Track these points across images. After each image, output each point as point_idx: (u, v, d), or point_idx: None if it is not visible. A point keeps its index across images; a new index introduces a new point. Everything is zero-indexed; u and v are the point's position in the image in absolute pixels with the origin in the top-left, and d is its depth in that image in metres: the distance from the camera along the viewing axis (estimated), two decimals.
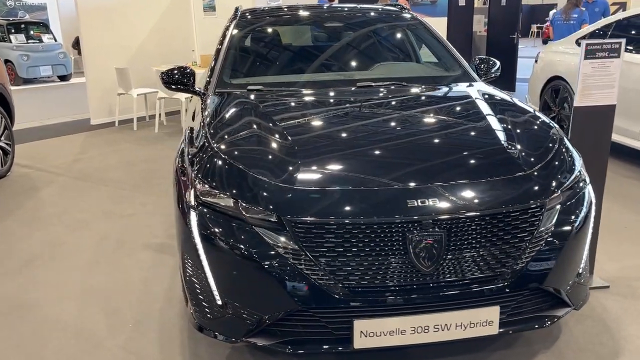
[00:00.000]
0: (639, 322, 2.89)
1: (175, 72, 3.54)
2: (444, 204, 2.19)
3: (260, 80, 3.61)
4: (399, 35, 4.37)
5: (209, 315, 2.36)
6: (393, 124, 2.95)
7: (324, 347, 2.23)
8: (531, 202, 2.26)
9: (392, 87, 3.44)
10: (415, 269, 2.16)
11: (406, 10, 4.42)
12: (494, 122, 2.79)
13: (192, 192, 2.40)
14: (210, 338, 2.42)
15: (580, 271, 2.46)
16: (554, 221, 2.31)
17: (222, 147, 2.56)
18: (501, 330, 2.26)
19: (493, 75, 3.79)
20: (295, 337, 2.26)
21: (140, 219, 4.58)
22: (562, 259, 2.31)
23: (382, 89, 3.40)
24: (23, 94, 12.98)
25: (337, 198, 2.22)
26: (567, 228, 2.33)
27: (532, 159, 2.46)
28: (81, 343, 2.86)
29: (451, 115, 3.06)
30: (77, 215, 4.73)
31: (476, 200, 2.22)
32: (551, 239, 2.28)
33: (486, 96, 3.18)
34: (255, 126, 2.80)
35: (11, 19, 17.76)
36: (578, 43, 6.60)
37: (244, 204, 2.25)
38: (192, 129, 2.95)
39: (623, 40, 2.92)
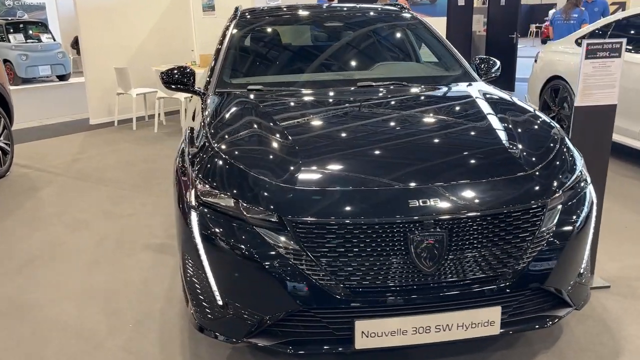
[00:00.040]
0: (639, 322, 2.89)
1: (175, 71, 3.53)
2: (445, 204, 2.19)
3: (261, 80, 3.61)
4: (399, 35, 4.37)
5: (209, 316, 2.36)
6: (394, 123, 2.95)
7: (325, 347, 2.23)
8: (533, 202, 2.25)
9: (393, 87, 3.43)
10: (416, 269, 2.16)
11: (406, 10, 4.42)
12: (495, 122, 2.78)
13: (192, 192, 2.40)
14: (211, 338, 2.41)
15: (581, 271, 2.46)
16: (555, 221, 2.31)
17: (223, 147, 2.56)
18: (502, 330, 2.26)
19: (493, 75, 3.79)
20: (296, 338, 2.25)
21: (140, 219, 4.58)
22: (564, 259, 2.31)
23: (382, 89, 3.40)
24: (22, 93, 12.96)
25: (338, 198, 2.21)
26: (569, 228, 2.33)
27: (534, 159, 2.46)
28: (81, 343, 2.86)
29: (452, 115, 3.06)
30: (76, 215, 4.72)
31: (478, 200, 2.22)
32: (552, 239, 2.28)
33: (487, 96, 3.17)
34: (255, 126, 2.80)
35: (10, 18, 17.75)
36: (578, 43, 6.60)
37: (244, 204, 2.25)
38: (192, 129, 2.94)
39: (624, 40, 2.92)
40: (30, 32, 16.15)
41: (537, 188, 2.31)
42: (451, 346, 2.62)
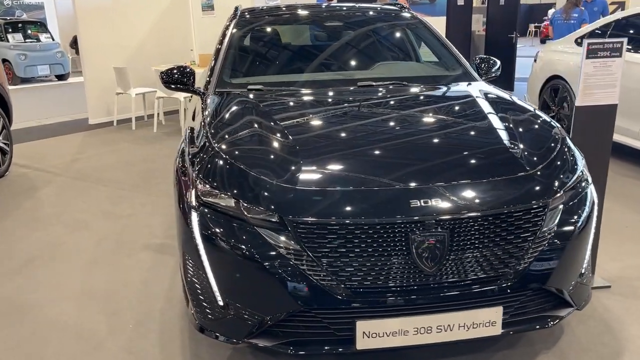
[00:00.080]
0: None
1: (175, 71, 3.52)
2: (446, 204, 2.18)
3: (261, 80, 3.60)
4: (399, 35, 4.36)
5: (210, 316, 2.35)
6: (395, 123, 2.94)
7: (326, 348, 2.22)
8: (534, 202, 2.25)
9: (393, 86, 3.43)
10: (418, 269, 2.15)
11: (406, 9, 4.41)
12: (496, 121, 2.78)
13: (193, 192, 2.39)
14: (212, 339, 2.41)
15: (582, 271, 2.45)
16: (556, 221, 2.30)
17: (223, 147, 2.55)
18: (504, 330, 2.25)
19: (494, 74, 3.78)
20: (297, 338, 2.24)
21: (139, 219, 4.57)
22: (565, 259, 2.31)
23: (383, 89, 3.39)
24: (21, 93, 12.95)
25: (339, 198, 2.21)
26: (570, 228, 2.32)
27: (535, 159, 2.45)
28: (81, 344, 2.85)
29: (453, 115, 3.05)
30: (76, 216, 4.71)
31: (479, 201, 2.21)
32: (554, 239, 2.27)
33: (488, 95, 3.17)
34: (256, 126, 2.79)
35: (8, 18, 17.73)
36: (577, 42, 6.60)
37: (245, 204, 2.24)
38: (192, 129, 2.93)
39: (625, 40, 2.92)
40: (29, 31, 16.14)
41: (538, 188, 2.30)
42: (452, 346, 2.61)
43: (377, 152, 2.58)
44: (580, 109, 3.02)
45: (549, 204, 2.27)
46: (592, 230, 2.48)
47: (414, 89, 3.41)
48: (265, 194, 2.26)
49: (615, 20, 6.27)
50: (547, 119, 2.90)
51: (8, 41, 15.33)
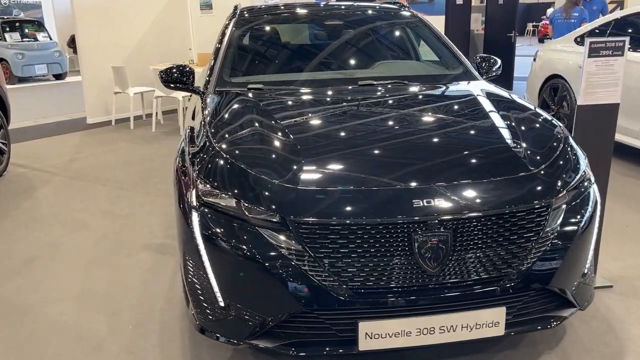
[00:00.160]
0: None
1: (174, 70, 3.51)
2: (449, 204, 2.16)
3: (261, 79, 3.58)
4: (399, 33, 4.35)
5: (210, 317, 2.33)
6: (396, 122, 2.91)
7: (328, 349, 2.21)
8: (537, 201, 2.23)
9: (394, 85, 3.41)
10: (420, 269, 2.14)
11: (406, 8, 4.40)
12: (498, 120, 2.76)
13: (193, 192, 2.37)
14: (212, 340, 2.39)
15: (585, 271, 2.44)
16: (559, 221, 2.29)
17: (224, 146, 2.53)
18: (507, 331, 2.24)
19: (494, 73, 3.77)
20: (299, 339, 2.23)
21: (138, 219, 4.54)
22: (568, 259, 2.29)
23: (383, 88, 3.37)
24: (18, 92, 12.91)
25: (341, 198, 2.19)
26: (573, 228, 2.31)
27: (538, 158, 2.44)
28: (81, 344, 2.83)
29: (455, 114, 3.04)
30: (75, 215, 4.69)
31: (482, 200, 2.20)
32: (557, 239, 2.26)
33: (489, 94, 3.15)
34: (256, 125, 2.77)
35: (6, 17, 17.66)
36: (577, 41, 6.60)
37: (246, 204, 2.22)
38: (192, 128, 2.91)
39: (627, 38, 2.90)
40: (27, 30, 16.09)
41: (541, 188, 2.29)
42: (455, 347, 2.59)
43: (379, 151, 2.56)
44: (582, 108, 3.01)
45: (552, 204, 2.26)
46: (595, 230, 2.47)
47: (415, 88, 3.39)
48: (267, 193, 2.24)
49: (615, 19, 6.26)
50: (550, 118, 2.89)
51: (5, 40, 15.28)
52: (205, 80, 3.59)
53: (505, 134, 2.62)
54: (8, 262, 3.84)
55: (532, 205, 2.22)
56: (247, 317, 2.23)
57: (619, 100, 3.00)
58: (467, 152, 2.53)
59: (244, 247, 2.18)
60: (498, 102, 3.04)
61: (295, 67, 3.94)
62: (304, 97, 3.28)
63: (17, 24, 16.19)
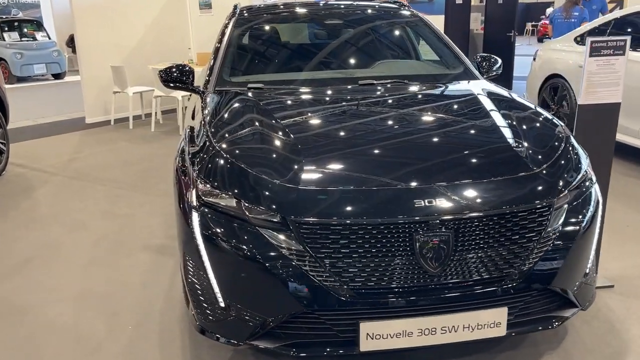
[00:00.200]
0: None
1: (174, 70, 3.50)
2: (451, 204, 2.15)
3: (261, 78, 3.57)
4: (399, 32, 4.33)
5: (211, 318, 2.32)
6: (398, 122, 2.90)
7: (329, 349, 2.19)
8: (539, 201, 2.22)
9: (395, 85, 3.40)
10: (422, 270, 2.12)
11: (406, 7, 4.38)
12: (499, 120, 2.75)
13: (193, 192, 2.36)
14: (212, 341, 2.38)
15: (587, 271, 2.43)
16: (561, 221, 2.28)
17: (224, 146, 2.52)
18: (509, 331, 2.23)
19: (495, 73, 3.76)
20: (300, 340, 2.22)
21: (138, 219, 4.53)
22: (570, 259, 2.28)
23: (384, 87, 3.36)
24: (17, 92, 12.89)
25: (342, 198, 2.18)
26: (575, 228, 2.30)
27: (539, 158, 2.43)
28: (81, 345, 2.82)
29: (456, 114, 3.03)
30: (74, 216, 4.67)
31: (484, 200, 2.19)
32: (559, 239, 2.25)
33: (490, 94, 3.15)
34: (257, 124, 2.76)
35: (4, 16, 17.63)
36: (576, 41, 6.59)
37: (246, 204, 2.21)
38: (192, 128, 2.90)
39: (628, 38, 2.89)
40: (25, 30, 16.05)
41: (543, 187, 2.28)
42: (456, 347, 2.58)
43: (380, 151, 2.55)
44: (583, 108, 3.00)
45: (554, 204, 2.25)
46: (597, 230, 2.46)
47: (416, 88, 3.38)
48: (267, 193, 2.23)
49: (615, 18, 6.25)
50: (551, 117, 2.88)
51: (4, 40, 15.25)
52: (205, 80, 3.58)
53: (507, 133, 2.62)
54: (7, 262, 3.82)
55: (534, 205, 2.21)
56: (247, 317, 2.22)
57: (620, 100, 2.99)
58: (468, 152, 2.52)
59: (245, 247, 2.17)
60: (499, 101, 3.03)
61: (295, 67, 3.93)
62: (304, 97, 3.27)
63: (16, 24, 16.15)
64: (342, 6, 4.40)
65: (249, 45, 4.10)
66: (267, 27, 4.28)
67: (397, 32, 4.34)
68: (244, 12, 4.20)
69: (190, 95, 4.80)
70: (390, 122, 2.90)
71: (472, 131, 2.77)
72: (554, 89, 6.66)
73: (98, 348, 2.79)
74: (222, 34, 3.94)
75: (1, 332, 2.97)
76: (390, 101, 3.22)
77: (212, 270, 2.26)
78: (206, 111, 3.00)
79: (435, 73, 3.81)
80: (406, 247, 2.12)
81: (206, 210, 2.29)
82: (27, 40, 15.68)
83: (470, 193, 2.20)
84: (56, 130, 8.30)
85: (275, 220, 2.17)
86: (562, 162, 2.45)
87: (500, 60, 3.81)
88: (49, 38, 16.47)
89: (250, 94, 3.22)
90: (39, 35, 16.15)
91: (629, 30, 5.97)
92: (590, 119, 3.01)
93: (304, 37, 4.38)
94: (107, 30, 8.63)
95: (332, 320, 2.16)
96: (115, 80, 8.31)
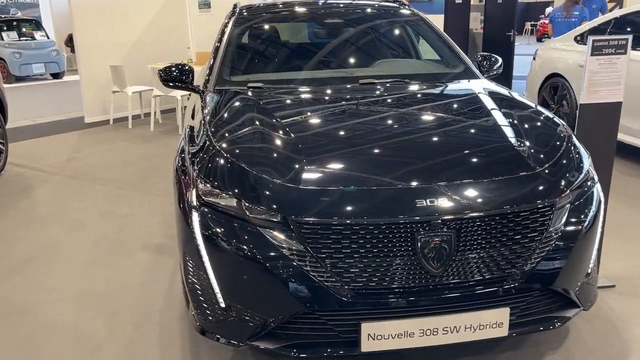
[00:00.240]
0: None
1: (174, 69, 3.48)
2: (453, 204, 2.14)
3: (261, 78, 3.55)
4: (399, 32, 4.32)
5: (211, 318, 2.31)
6: (399, 121, 2.89)
7: (330, 350, 2.18)
8: (541, 201, 2.21)
9: (396, 84, 3.38)
10: (424, 270, 2.11)
11: (406, 6, 4.37)
12: (501, 119, 2.74)
13: (193, 192, 2.35)
14: (212, 341, 2.36)
15: (589, 271, 2.42)
16: (563, 221, 2.27)
17: (224, 145, 2.50)
18: (511, 331, 2.22)
19: (495, 72, 3.75)
20: (301, 341, 2.21)
21: (137, 219, 4.52)
22: (572, 259, 2.27)
23: (385, 86, 3.35)
24: (15, 92, 12.85)
25: (343, 198, 2.16)
26: (577, 227, 2.29)
27: (542, 157, 2.42)
28: (81, 345, 2.80)
29: (458, 113, 3.01)
30: (73, 215, 4.66)
31: (486, 200, 2.17)
32: (561, 238, 2.24)
33: (491, 93, 3.13)
34: (257, 123, 2.75)
35: (3, 16, 17.60)
36: (577, 40, 6.58)
37: (247, 204, 2.20)
38: (192, 127, 2.89)
39: (630, 37, 2.89)
40: (24, 29, 16.02)
41: (545, 187, 2.27)
42: (457, 348, 2.57)
43: (381, 150, 2.53)
44: (584, 107, 2.99)
45: (556, 203, 2.24)
46: (599, 230, 2.45)
47: (417, 87, 3.37)
48: (268, 193, 2.21)
49: (615, 17, 6.25)
50: (552, 116, 2.87)
51: (3, 39, 15.21)
52: (204, 79, 3.56)
53: (509, 132, 2.60)
54: (7, 262, 3.81)
55: (536, 204, 2.20)
56: (248, 318, 2.20)
57: (621, 99, 2.98)
58: (470, 151, 2.51)
59: (245, 247, 2.16)
60: (500, 100, 3.01)
61: (295, 66, 3.91)
62: (305, 96, 3.26)
63: (15, 23, 16.12)
64: (342, 5, 4.38)
65: (248, 45, 4.09)
66: (266, 26, 4.27)
67: (397, 31, 4.33)
68: (244, 11, 4.18)
69: (189, 94, 4.78)
70: (391, 122, 2.89)
71: (474, 130, 2.76)
72: (554, 88, 6.65)
73: (98, 348, 2.77)
74: (222, 33, 3.93)
75: (1, 332, 2.96)
76: (391, 100, 3.21)
77: (212, 271, 2.24)
78: (206, 110, 2.98)
79: (436, 72, 3.80)
80: (408, 247, 2.10)
81: (206, 210, 2.27)
82: (26, 40, 15.65)
83: (472, 193, 2.19)
84: (55, 130, 8.29)
85: (275, 220, 2.16)
86: (564, 161, 2.44)
87: (500, 60, 3.80)
88: (48, 37, 16.44)
89: (250, 93, 3.21)
90: (38, 35, 16.12)
91: (629, 29, 5.96)
92: (592, 118, 3.01)
93: (304, 36, 4.37)
94: (106, 29, 8.61)
95: (333, 321, 2.14)
96: (114, 80, 8.29)
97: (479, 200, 2.17)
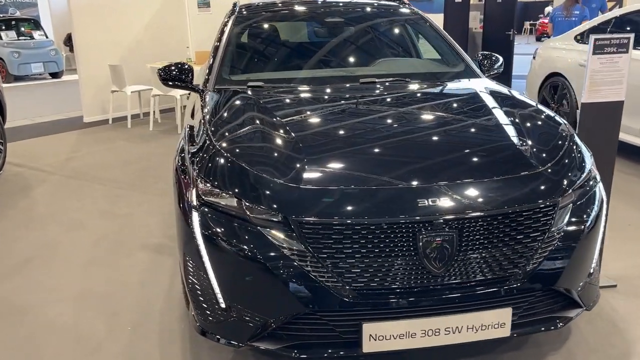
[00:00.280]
0: None
1: (173, 68, 3.47)
2: (455, 204, 2.13)
3: (261, 77, 3.54)
4: (399, 30, 4.31)
5: (211, 319, 2.29)
6: (399, 120, 2.87)
7: (331, 351, 2.17)
8: (544, 200, 2.20)
9: (396, 83, 3.37)
10: (425, 270, 2.10)
11: (406, 5, 4.36)
12: (503, 118, 2.73)
13: (194, 191, 2.33)
14: (213, 342, 2.35)
15: (591, 271, 2.41)
16: (565, 220, 2.26)
17: (224, 144, 2.49)
18: (513, 332, 2.20)
19: (496, 71, 3.74)
20: (302, 341, 2.19)
21: (137, 219, 4.50)
22: (575, 259, 2.26)
23: (386, 86, 3.33)
24: (14, 91, 12.82)
25: (344, 197, 2.15)
26: (579, 227, 2.28)
27: (544, 156, 2.40)
28: (81, 345, 2.79)
29: (459, 112, 3.00)
30: (72, 215, 4.64)
31: (488, 199, 2.16)
32: (563, 238, 2.23)
33: (493, 92, 3.12)
34: (257, 122, 2.73)
35: (2, 15, 17.57)
36: (577, 39, 6.57)
37: (247, 204, 2.18)
38: (191, 127, 2.88)
39: (632, 35, 2.87)
40: (23, 29, 15.99)
41: (548, 186, 2.25)
42: (459, 348, 2.56)
43: (382, 149, 2.52)
44: (586, 106, 2.98)
45: (558, 203, 2.22)
46: (601, 230, 2.44)
47: (417, 86, 3.35)
48: (268, 192, 2.20)
49: (615, 17, 6.24)
50: (554, 115, 2.86)
51: (1, 39, 15.18)
52: (204, 78, 3.55)
53: (510, 131, 2.59)
54: (7, 262, 3.79)
55: (538, 204, 2.19)
56: (248, 318, 2.19)
57: (623, 98, 2.97)
58: (472, 150, 2.49)
59: (245, 247, 2.14)
60: (501, 99, 3.00)
61: (295, 65, 3.90)
62: (305, 95, 3.24)
63: (13, 22, 16.10)
64: (342, 4, 4.37)
65: (248, 44, 4.07)
66: (266, 25, 4.25)
67: (397, 30, 4.32)
68: (243, 10, 4.17)
69: (189, 94, 4.77)
70: (392, 121, 2.87)
71: (475, 129, 2.75)
72: (554, 87, 6.64)
73: (98, 348, 2.76)
74: (222, 32, 3.91)
75: (1, 332, 2.94)
76: (391, 99, 3.20)
77: (213, 271, 2.23)
78: (206, 110, 2.97)
79: (437, 71, 3.79)
80: (409, 247, 2.09)
81: (206, 209, 2.26)
82: (25, 39, 15.62)
83: (473, 192, 2.18)
84: (54, 130, 8.27)
85: (276, 219, 2.14)
86: (567, 160, 2.43)
87: (501, 59, 3.79)
88: (47, 37, 16.42)
89: (250, 92, 3.19)
90: (37, 34, 16.10)
91: (629, 28, 5.95)
92: (593, 118, 2.99)
93: (304, 35, 4.35)
94: (105, 29, 8.59)
95: (335, 321, 2.13)
96: (113, 79, 8.27)
97: (481, 199, 2.16)
